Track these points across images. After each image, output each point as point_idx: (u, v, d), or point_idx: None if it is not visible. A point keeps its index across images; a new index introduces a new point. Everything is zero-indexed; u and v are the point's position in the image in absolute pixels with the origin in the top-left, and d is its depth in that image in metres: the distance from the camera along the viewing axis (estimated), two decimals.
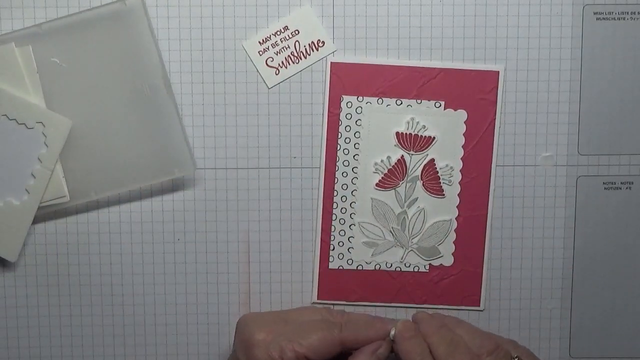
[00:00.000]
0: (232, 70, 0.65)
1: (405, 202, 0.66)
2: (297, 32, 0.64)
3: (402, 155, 0.66)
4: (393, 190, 0.66)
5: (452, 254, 0.66)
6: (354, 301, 0.67)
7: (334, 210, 0.66)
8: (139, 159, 0.64)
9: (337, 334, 0.60)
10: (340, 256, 0.66)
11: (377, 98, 0.65)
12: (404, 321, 0.61)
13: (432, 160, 0.66)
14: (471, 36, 0.65)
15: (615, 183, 0.66)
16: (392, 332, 0.61)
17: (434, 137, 0.65)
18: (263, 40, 0.64)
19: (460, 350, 0.59)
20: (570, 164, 0.66)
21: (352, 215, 0.66)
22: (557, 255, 0.67)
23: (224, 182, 0.66)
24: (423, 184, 0.66)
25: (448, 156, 0.66)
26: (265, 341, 0.60)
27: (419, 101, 0.65)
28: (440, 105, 0.65)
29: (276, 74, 0.65)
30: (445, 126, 0.65)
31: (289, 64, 0.65)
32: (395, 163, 0.66)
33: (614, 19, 0.65)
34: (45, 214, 0.65)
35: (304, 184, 0.66)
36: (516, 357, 0.59)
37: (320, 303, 0.66)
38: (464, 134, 0.66)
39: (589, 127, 0.66)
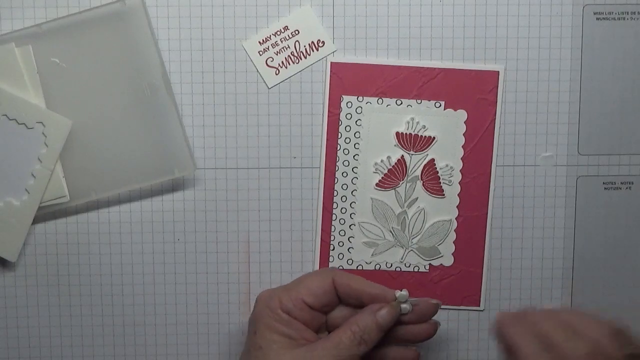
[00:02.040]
0: (232, 70, 0.65)
1: (405, 202, 0.66)
2: (297, 32, 0.64)
3: (402, 155, 0.66)
4: (393, 190, 0.66)
5: (452, 254, 0.66)
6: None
7: (334, 210, 0.66)
8: (139, 159, 0.64)
9: (329, 274, 0.60)
10: (340, 256, 0.66)
11: (377, 98, 0.65)
12: (500, 312, 0.56)
13: (432, 160, 0.66)
14: (471, 36, 0.65)
15: (615, 183, 0.66)
16: (398, 293, 0.59)
17: (434, 137, 0.65)
18: (263, 40, 0.64)
19: (581, 336, 0.51)
20: (570, 164, 0.66)
21: (352, 215, 0.66)
22: (557, 255, 0.67)
23: (224, 182, 0.66)
24: (423, 184, 0.66)
25: (448, 156, 0.66)
26: (265, 295, 0.61)
27: (419, 101, 0.65)
28: (440, 105, 0.65)
29: (276, 74, 0.65)
30: (445, 126, 0.65)
31: (289, 64, 0.65)
32: (395, 163, 0.66)
33: (614, 19, 0.65)
34: (45, 214, 0.65)
35: (304, 184, 0.66)
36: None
37: None
38: (464, 134, 0.66)
39: (589, 127, 0.66)
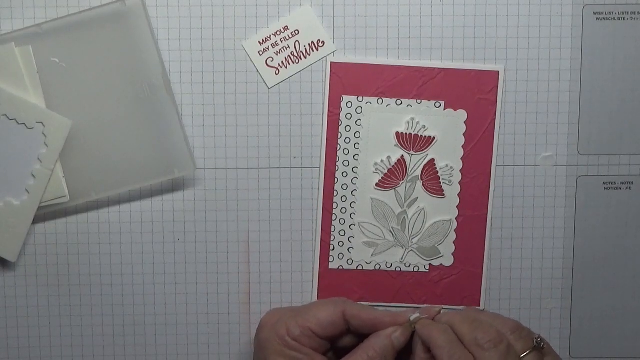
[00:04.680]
0: (232, 70, 0.65)
1: (405, 202, 0.66)
2: (297, 32, 0.65)
3: (402, 155, 0.66)
4: (393, 190, 0.66)
5: (452, 254, 0.67)
6: (354, 301, 0.66)
7: (334, 210, 0.66)
8: (139, 159, 0.64)
9: (340, 306, 0.60)
10: (340, 256, 0.66)
11: (377, 98, 0.65)
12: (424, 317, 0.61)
13: (432, 160, 0.66)
14: (471, 36, 0.65)
15: (615, 183, 0.66)
16: (413, 317, 0.60)
17: (434, 137, 0.65)
18: (263, 40, 0.64)
19: (484, 327, 0.57)
20: (570, 164, 0.66)
21: (352, 215, 0.66)
22: (557, 255, 0.67)
23: (224, 182, 0.66)
24: (423, 184, 0.66)
25: (448, 156, 0.66)
26: (272, 321, 0.61)
27: (419, 101, 0.65)
28: (440, 105, 0.65)
29: (276, 74, 0.65)
30: (445, 126, 0.65)
31: (289, 64, 0.65)
32: (395, 163, 0.66)
33: (614, 19, 0.65)
34: (45, 214, 0.65)
35: (304, 184, 0.66)
36: (538, 337, 0.58)
37: None
38: (464, 134, 0.66)
39: (589, 127, 0.66)
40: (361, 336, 0.61)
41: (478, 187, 0.66)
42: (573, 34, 0.65)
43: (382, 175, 0.66)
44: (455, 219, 0.66)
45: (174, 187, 0.66)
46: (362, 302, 0.66)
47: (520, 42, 0.65)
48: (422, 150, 0.66)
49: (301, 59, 0.65)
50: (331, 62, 0.65)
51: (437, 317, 0.60)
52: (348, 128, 0.65)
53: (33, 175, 0.63)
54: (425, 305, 0.65)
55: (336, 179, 0.66)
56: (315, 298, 0.66)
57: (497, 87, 0.65)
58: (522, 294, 0.67)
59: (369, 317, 0.60)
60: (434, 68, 0.65)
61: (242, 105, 0.65)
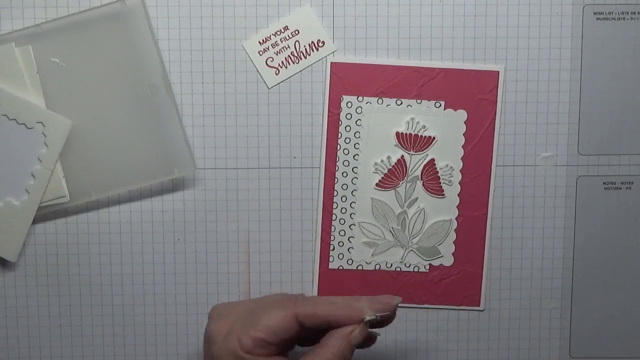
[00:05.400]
0: (232, 70, 0.65)
1: (405, 202, 0.66)
2: (297, 32, 0.65)
3: (402, 155, 0.66)
4: (393, 190, 0.66)
5: (452, 254, 0.66)
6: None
7: (334, 210, 0.66)
8: (139, 159, 0.64)
9: (290, 308, 0.57)
10: (340, 256, 0.66)
11: (377, 98, 0.65)
12: None
13: (432, 160, 0.66)
14: (471, 36, 0.65)
15: (615, 183, 0.66)
16: (367, 318, 0.56)
17: (434, 137, 0.65)
18: (263, 40, 0.64)
19: None
20: (570, 164, 0.66)
21: (352, 215, 0.66)
22: (557, 255, 0.67)
23: (224, 182, 0.66)
24: (423, 184, 0.66)
25: (448, 156, 0.66)
26: (222, 334, 0.57)
27: (419, 101, 0.65)
28: (440, 105, 0.65)
29: (276, 74, 0.65)
30: (445, 126, 0.65)
31: (289, 64, 0.65)
32: (395, 163, 0.66)
33: (614, 19, 0.65)
34: (45, 214, 0.65)
35: (304, 184, 0.66)
36: None
37: None
38: (464, 134, 0.66)
39: (589, 127, 0.66)
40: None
41: (478, 187, 0.66)
42: (573, 34, 0.65)
43: (382, 175, 0.66)
44: (455, 219, 0.66)
45: (174, 187, 0.66)
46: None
47: (520, 42, 0.65)
48: (422, 150, 0.66)
49: (301, 59, 0.65)
50: (331, 62, 0.65)
51: None
52: (348, 128, 0.65)
53: (33, 175, 0.63)
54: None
55: (336, 179, 0.66)
56: None
57: (497, 87, 0.65)
58: (522, 294, 0.67)
59: (323, 314, 0.57)
60: (434, 68, 0.65)
61: (242, 105, 0.65)
